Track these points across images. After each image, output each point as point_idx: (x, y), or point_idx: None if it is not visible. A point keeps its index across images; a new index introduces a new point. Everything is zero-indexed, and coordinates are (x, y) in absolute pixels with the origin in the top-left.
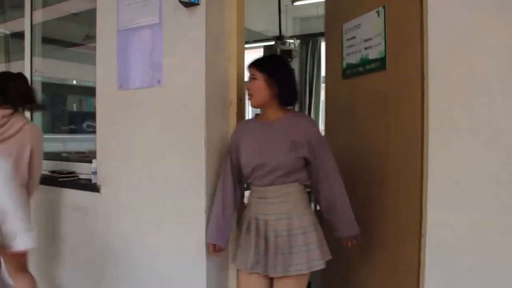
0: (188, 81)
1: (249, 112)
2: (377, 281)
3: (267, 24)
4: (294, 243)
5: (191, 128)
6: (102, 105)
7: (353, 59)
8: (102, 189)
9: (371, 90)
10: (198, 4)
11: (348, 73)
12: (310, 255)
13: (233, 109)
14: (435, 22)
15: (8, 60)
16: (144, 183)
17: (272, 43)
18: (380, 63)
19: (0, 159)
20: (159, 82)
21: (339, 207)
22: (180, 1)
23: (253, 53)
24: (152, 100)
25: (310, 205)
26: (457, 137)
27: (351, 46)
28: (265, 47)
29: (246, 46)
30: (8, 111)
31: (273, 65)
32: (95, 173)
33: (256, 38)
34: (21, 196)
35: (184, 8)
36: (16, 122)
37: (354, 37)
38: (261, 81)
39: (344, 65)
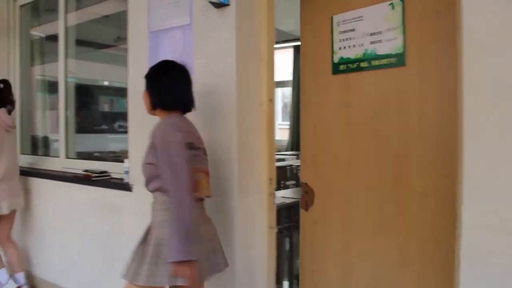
0: (219, 81)
1: (279, 113)
2: (410, 283)
3: (296, 24)
4: (148, 253)
5: (222, 128)
6: (134, 106)
7: (351, 53)
8: (134, 188)
9: (382, 86)
10: (228, 4)
11: (341, 68)
12: (157, 269)
13: (264, 109)
14: (470, 20)
15: (43, 62)
16: None
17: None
18: (397, 59)
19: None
20: None
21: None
22: (210, 2)
23: (282, 53)
24: None
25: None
26: (493, 139)
27: (347, 39)
28: (294, 47)
29: (275, 46)
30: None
31: (151, 73)
32: (127, 172)
33: (285, 38)
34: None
35: (214, 9)
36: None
37: (352, 30)
38: (145, 89)
39: (336, 59)
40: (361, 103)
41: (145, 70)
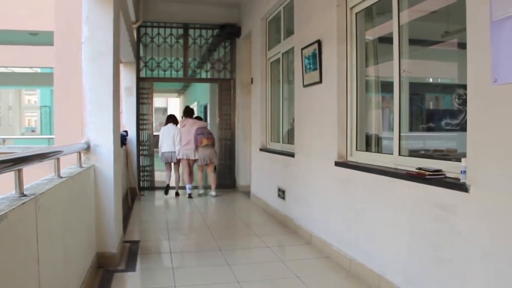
0: None
1: None
2: None
3: None
4: None
5: None
6: (475, 102)
7: None
8: (471, 190)
9: None
10: None
11: None
12: None
13: None
14: None
15: (376, 62)
16: None
17: None
18: None
19: (173, 126)
20: None
21: None
22: None
23: None
24: None
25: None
26: None
27: None
28: None
29: None
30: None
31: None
32: (464, 172)
33: None
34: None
35: None
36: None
37: None
38: None
39: None
40: None
41: (486, 63)
